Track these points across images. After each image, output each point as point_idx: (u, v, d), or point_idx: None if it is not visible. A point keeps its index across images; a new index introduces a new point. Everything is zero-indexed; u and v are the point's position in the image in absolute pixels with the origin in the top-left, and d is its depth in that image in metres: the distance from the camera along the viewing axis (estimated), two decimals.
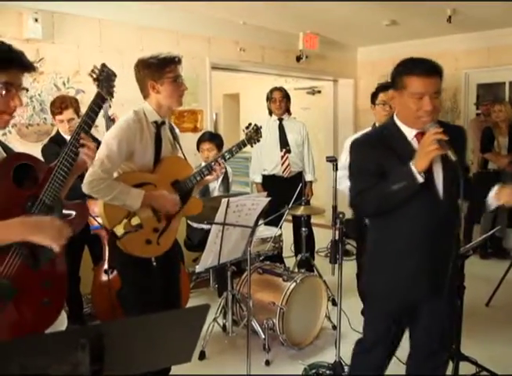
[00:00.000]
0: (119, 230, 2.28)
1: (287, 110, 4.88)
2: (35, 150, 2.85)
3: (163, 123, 2.43)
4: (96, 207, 2.46)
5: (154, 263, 2.40)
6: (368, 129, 3.39)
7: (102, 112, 2.17)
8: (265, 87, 5.14)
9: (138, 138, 2.30)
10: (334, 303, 3.92)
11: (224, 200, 2.55)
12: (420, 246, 1.97)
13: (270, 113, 4.89)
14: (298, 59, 5.86)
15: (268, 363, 3.17)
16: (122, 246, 2.32)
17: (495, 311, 3.98)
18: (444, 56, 6.10)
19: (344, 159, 3.28)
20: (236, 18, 5.04)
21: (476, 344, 3.15)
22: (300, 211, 4.01)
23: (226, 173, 4.36)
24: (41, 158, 2.89)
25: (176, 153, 2.58)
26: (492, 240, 5.31)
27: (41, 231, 1.39)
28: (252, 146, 2.91)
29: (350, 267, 3.69)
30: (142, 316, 1.21)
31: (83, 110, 3.65)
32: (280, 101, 4.76)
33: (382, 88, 3.33)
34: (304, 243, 4.20)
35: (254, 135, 2.83)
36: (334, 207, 3.11)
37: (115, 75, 1.75)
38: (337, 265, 2.78)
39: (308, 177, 4.85)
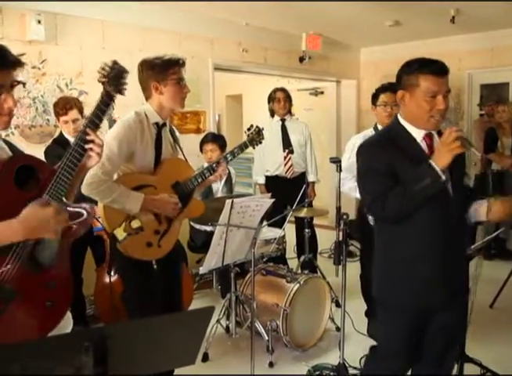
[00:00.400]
0: (119, 233, 2.25)
1: (289, 111, 4.89)
2: (38, 152, 2.86)
3: (164, 125, 2.42)
4: (98, 209, 2.44)
5: (155, 266, 2.37)
6: (369, 130, 3.39)
7: None
8: (267, 88, 5.14)
9: (138, 139, 2.28)
10: (338, 305, 3.91)
11: (228, 201, 2.54)
12: (433, 249, 1.93)
13: (272, 114, 4.89)
14: (301, 59, 5.86)
15: (271, 364, 3.16)
16: (122, 249, 2.29)
17: (500, 312, 3.96)
18: (447, 57, 6.02)
19: (347, 159, 3.27)
20: (238, 19, 5.04)
21: (480, 345, 3.14)
22: (303, 213, 4.00)
23: (229, 174, 4.36)
24: (44, 160, 2.90)
25: (176, 155, 2.55)
26: (496, 241, 5.28)
27: (39, 229, 1.38)
28: (254, 148, 2.89)
29: (354, 268, 3.67)
30: (145, 319, 1.20)
31: (86, 110, 3.70)
32: (285, 101, 4.76)
33: (382, 89, 3.32)
34: (308, 244, 4.19)
35: (256, 136, 2.81)
36: (338, 209, 3.09)
37: (127, 72, 1.67)
38: (340, 267, 2.77)
39: (310, 178, 4.84)
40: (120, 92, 1.64)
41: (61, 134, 3.45)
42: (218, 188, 4.27)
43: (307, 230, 4.17)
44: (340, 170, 3.14)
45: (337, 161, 3.16)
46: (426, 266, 1.93)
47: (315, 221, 4.76)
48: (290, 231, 4.46)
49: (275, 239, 3.77)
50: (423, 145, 1.94)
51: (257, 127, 2.83)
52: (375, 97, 3.38)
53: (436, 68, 1.87)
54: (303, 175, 4.80)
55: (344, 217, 2.68)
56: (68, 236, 1.56)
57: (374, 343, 2.71)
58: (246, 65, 5.45)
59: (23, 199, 1.44)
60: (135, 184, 2.30)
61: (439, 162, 1.80)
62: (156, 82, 2.30)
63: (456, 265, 2.00)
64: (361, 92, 6.92)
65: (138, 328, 1.18)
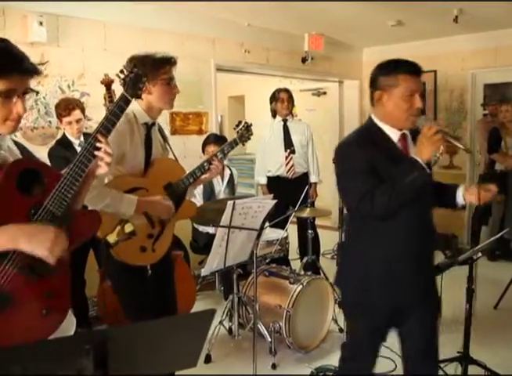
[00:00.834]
0: (112, 238, 2.18)
1: (291, 112, 4.89)
2: (41, 153, 2.85)
3: (153, 124, 2.35)
4: None
5: (150, 271, 2.30)
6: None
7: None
8: (269, 89, 5.13)
9: (128, 140, 2.20)
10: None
11: (230, 203, 2.53)
12: (409, 249, 1.98)
13: (274, 115, 4.89)
14: (304, 60, 5.85)
15: (274, 366, 3.15)
16: (115, 254, 2.21)
17: (504, 314, 3.94)
18: (450, 56, 6.11)
19: None
20: (240, 19, 5.03)
21: (485, 347, 3.12)
22: (306, 213, 3.99)
23: (231, 175, 4.35)
24: (48, 161, 2.90)
25: (166, 155, 2.49)
26: (500, 242, 5.25)
27: (32, 240, 1.30)
28: (244, 145, 2.86)
29: None
30: (146, 322, 1.19)
31: (88, 112, 3.70)
32: (288, 101, 4.77)
33: None
34: (310, 245, 4.18)
35: (245, 132, 2.74)
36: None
37: (145, 76, 1.65)
38: None
39: (312, 178, 4.84)
40: (138, 96, 1.60)
41: (64, 135, 3.46)
42: (221, 189, 4.26)
43: (310, 231, 4.15)
44: None
45: None
46: (402, 265, 1.97)
47: (318, 221, 4.75)
48: (292, 232, 4.45)
49: (277, 240, 3.76)
50: (400, 145, 1.99)
51: (245, 123, 2.77)
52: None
53: (413, 68, 1.94)
54: (305, 176, 4.80)
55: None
56: (70, 244, 1.53)
57: None
58: (249, 66, 5.44)
59: (24, 204, 1.38)
60: (127, 187, 2.21)
61: (422, 155, 1.85)
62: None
63: (428, 265, 2.08)
64: (363, 93, 6.89)
65: (138, 331, 1.18)
